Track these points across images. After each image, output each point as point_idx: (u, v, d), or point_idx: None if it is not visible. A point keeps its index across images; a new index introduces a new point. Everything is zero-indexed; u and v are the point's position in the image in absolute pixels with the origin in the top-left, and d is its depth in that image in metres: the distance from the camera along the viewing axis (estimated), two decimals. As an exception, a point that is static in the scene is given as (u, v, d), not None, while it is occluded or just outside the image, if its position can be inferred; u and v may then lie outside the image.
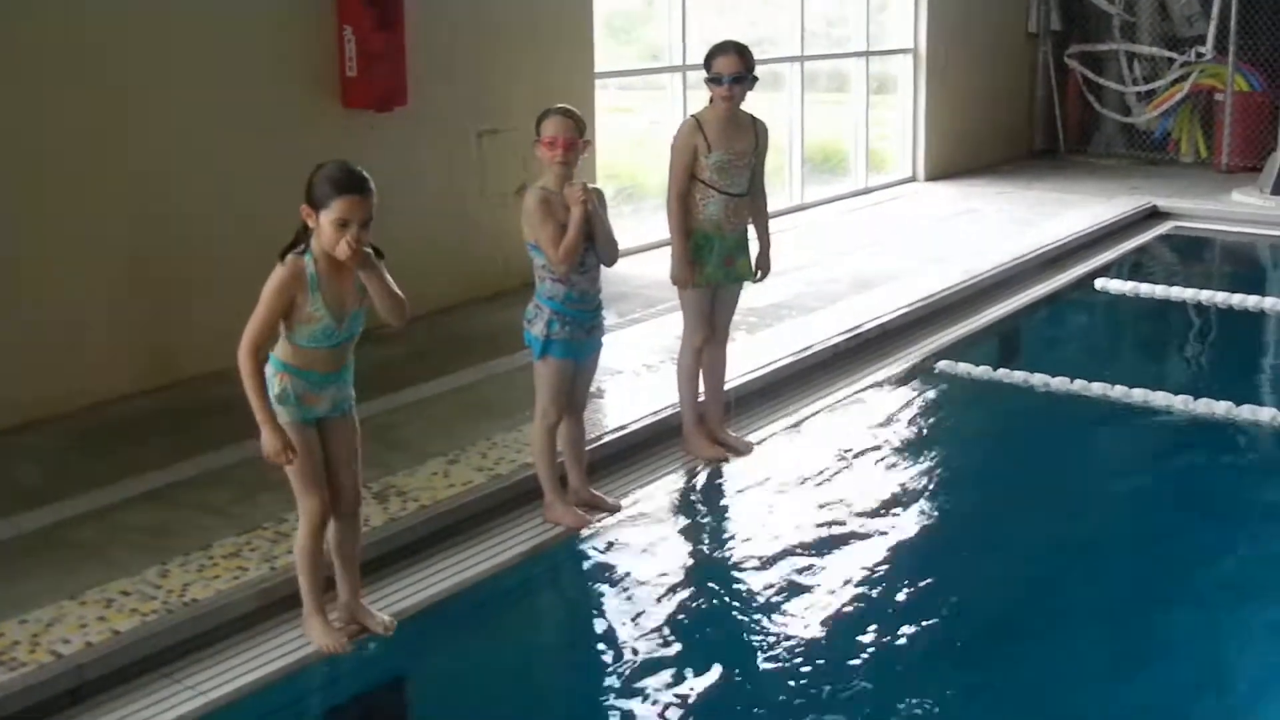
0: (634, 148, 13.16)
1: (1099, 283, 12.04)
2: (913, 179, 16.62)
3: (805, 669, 5.63)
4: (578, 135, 6.50)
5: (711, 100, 7.45)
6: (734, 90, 7.32)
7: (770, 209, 7.97)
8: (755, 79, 7.45)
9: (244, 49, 8.71)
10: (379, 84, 9.25)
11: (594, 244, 6.56)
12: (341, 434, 5.57)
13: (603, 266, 6.70)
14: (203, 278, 8.53)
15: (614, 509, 6.99)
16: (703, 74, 7.52)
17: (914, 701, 5.40)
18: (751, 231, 7.71)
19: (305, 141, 9.04)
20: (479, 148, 10.37)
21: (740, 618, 6.10)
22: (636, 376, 8.64)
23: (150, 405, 8.08)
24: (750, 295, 7.95)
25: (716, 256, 7.47)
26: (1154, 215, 14.96)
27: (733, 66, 7.31)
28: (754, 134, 7.51)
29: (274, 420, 5.21)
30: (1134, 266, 13.00)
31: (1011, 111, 18.43)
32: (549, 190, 6.49)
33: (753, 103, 7.58)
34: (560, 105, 6.60)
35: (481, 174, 10.36)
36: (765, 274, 7.81)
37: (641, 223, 12.26)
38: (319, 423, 5.48)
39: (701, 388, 7.82)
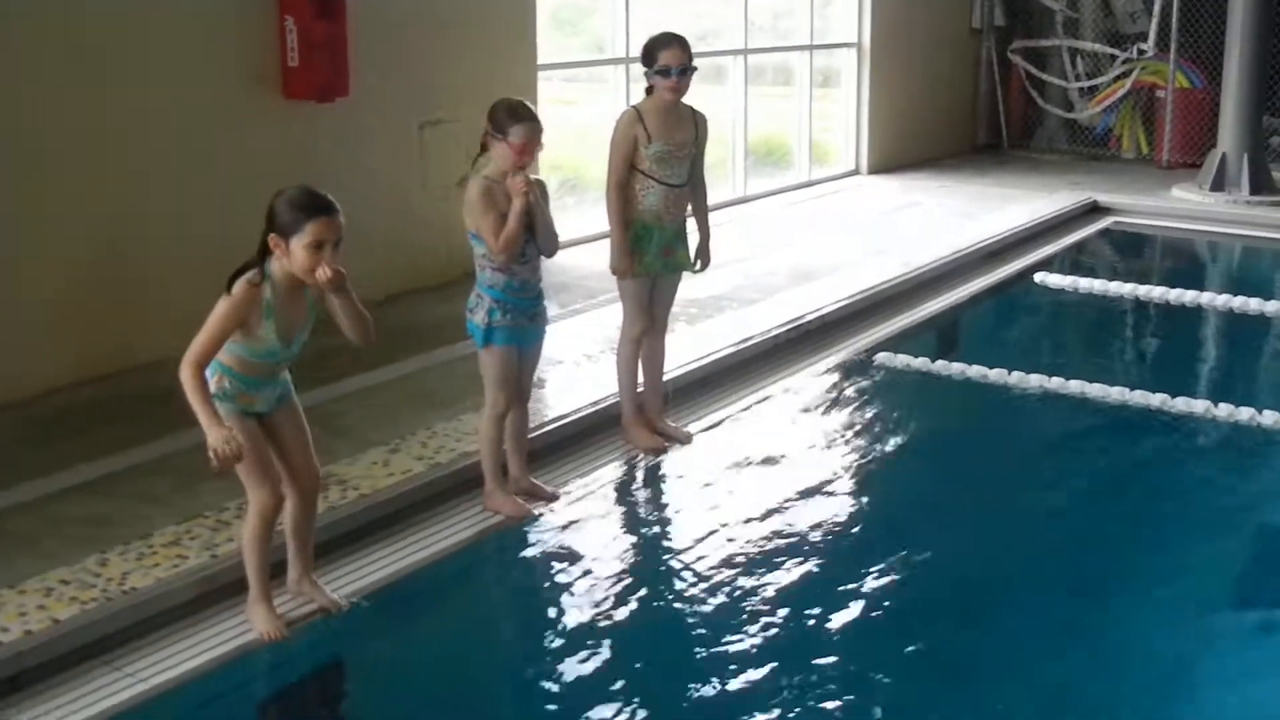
0: (577, 140, 13.18)
1: (1039, 277, 12.15)
2: (856, 172, 16.71)
3: (745, 651, 5.69)
4: (540, 141, 6.55)
5: (651, 91, 7.50)
6: (680, 83, 7.38)
7: (713, 201, 8.04)
8: (695, 69, 7.51)
9: (183, 39, 8.68)
10: (320, 74, 9.24)
11: (534, 235, 6.60)
12: (285, 418, 5.63)
13: (543, 257, 6.75)
14: (141, 269, 8.53)
15: (553, 498, 7.04)
16: (645, 67, 7.56)
17: (854, 679, 5.52)
18: (691, 223, 7.76)
19: (246, 132, 9.07)
20: (421, 139, 10.38)
21: (679, 603, 6.15)
22: (576, 367, 8.68)
23: (90, 395, 8.06)
24: (691, 286, 8.01)
25: (655, 247, 7.52)
26: (1094, 210, 15.10)
27: (677, 58, 7.37)
28: (694, 125, 7.57)
29: (218, 419, 5.16)
30: (1074, 261, 13.12)
31: (955, 106, 18.55)
32: (492, 180, 6.53)
33: (697, 96, 7.63)
34: (528, 107, 6.63)
35: (424, 165, 10.37)
36: (705, 265, 7.87)
37: (583, 214, 12.29)
38: (259, 416, 5.52)
39: (641, 378, 7.88)
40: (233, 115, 9.00)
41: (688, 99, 7.56)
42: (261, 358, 5.38)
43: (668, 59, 7.37)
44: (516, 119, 6.50)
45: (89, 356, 8.27)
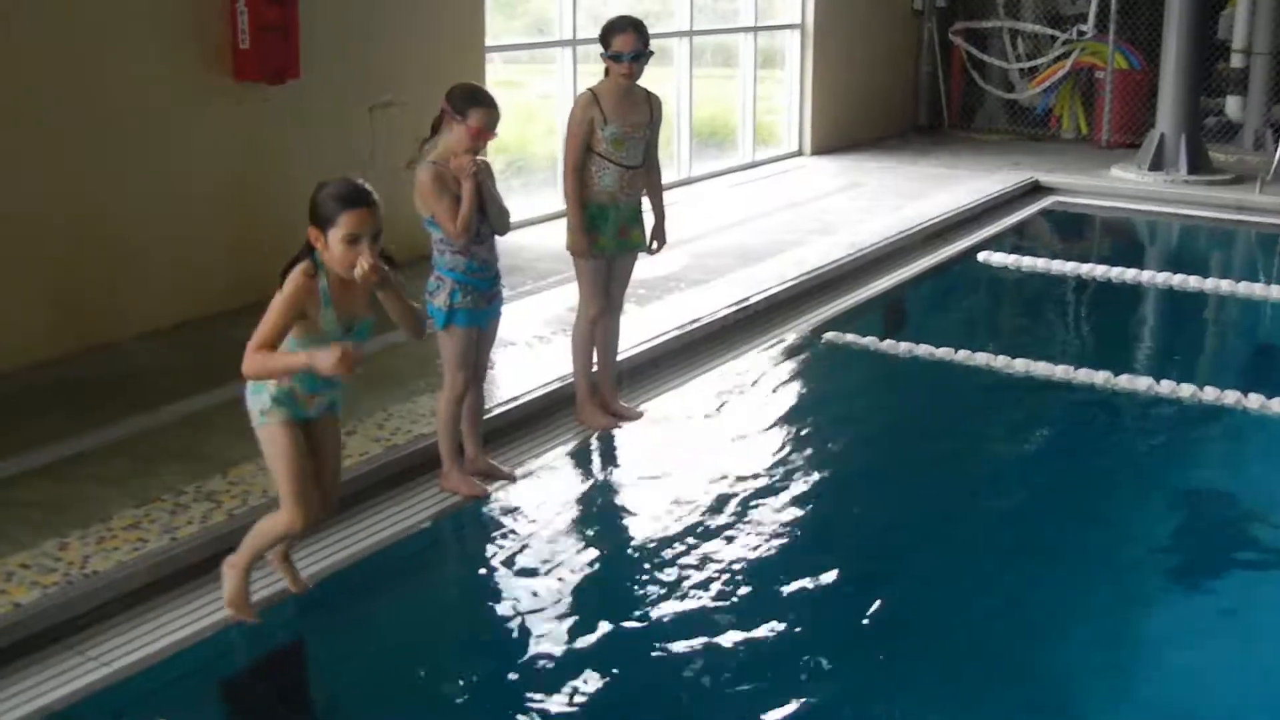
0: (522, 121, 13.20)
1: (982, 256, 12.27)
2: (799, 153, 16.80)
3: (699, 622, 5.79)
4: (495, 127, 6.60)
5: (607, 73, 7.55)
6: (634, 67, 7.45)
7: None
8: (651, 53, 7.57)
9: (134, 19, 8.66)
10: (271, 56, 9.23)
11: (486, 214, 6.65)
12: (329, 434, 5.55)
13: (496, 235, 6.80)
14: (93, 248, 8.50)
15: (509, 478, 7.10)
16: (593, 48, 7.61)
17: (806, 644, 5.66)
18: (647, 203, 7.82)
19: (196, 113, 9.05)
20: (370, 121, 10.38)
21: (633, 579, 6.21)
22: (529, 348, 8.72)
23: (47, 377, 8.03)
24: (640, 268, 8.07)
25: (612, 227, 7.58)
26: (1036, 190, 15.29)
27: (633, 44, 7.43)
28: (649, 107, 7.64)
29: (313, 357, 4.99)
30: (1016, 240, 13.26)
31: (896, 87, 18.67)
32: (440, 165, 6.57)
33: (642, 77, 7.68)
34: (488, 93, 6.70)
35: (373, 147, 10.37)
36: (661, 245, 7.94)
37: (530, 196, 12.32)
38: (305, 424, 5.41)
39: (595, 358, 7.93)
40: (183, 97, 8.97)
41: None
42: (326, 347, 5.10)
43: (621, 44, 7.43)
44: (476, 103, 6.55)
45: (41, 339, 8.23)
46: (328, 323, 5.16)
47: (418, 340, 5.77)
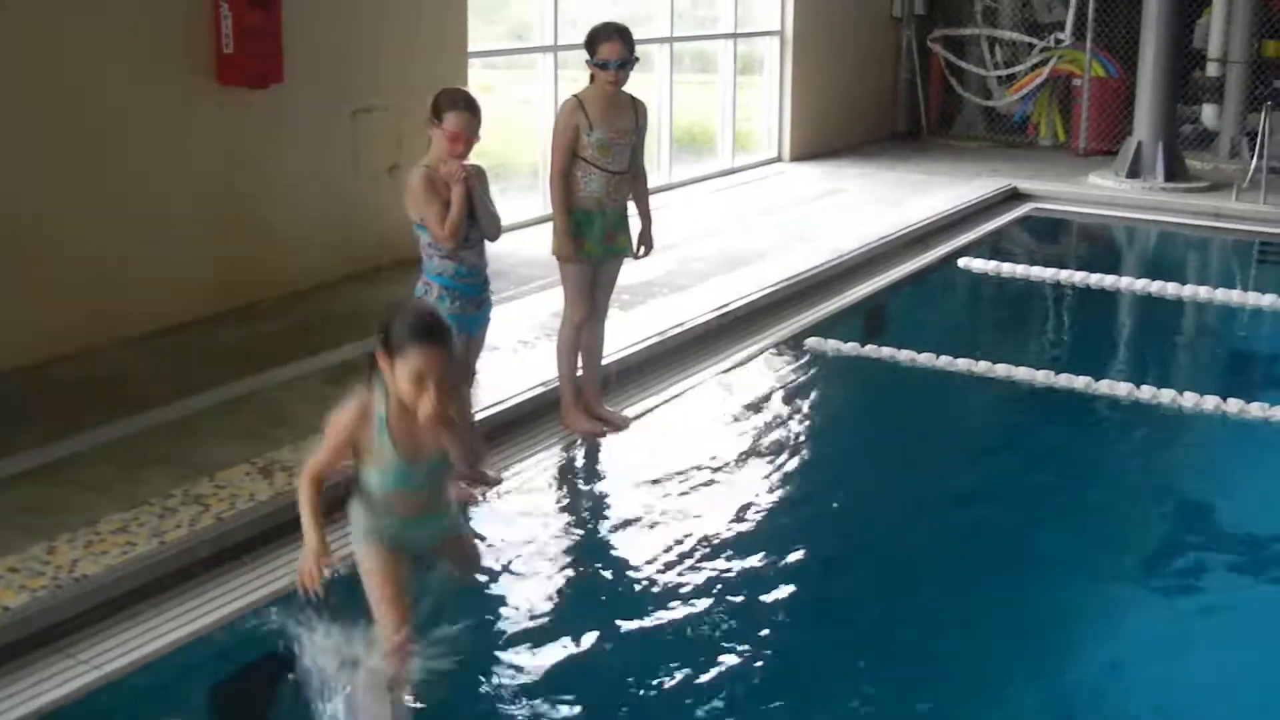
0: (500, 126, 13.22)
1: (962, 262, 12.33)
2: (778, 159, 16.81)
3: (682, 632, 5.82)
4: (477, 133, 6.63)
5: (592, 79, 7.59)
6: (620, 75, 7.49)
7: (644, 187, 8.14)
8: (636, 60, 7.60)
9: (119, 23, 8.65)
10: (255, 61, 9.22)
11: (476, 219, 6.67)
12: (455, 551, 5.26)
13: (487, 241, 6.83)
14: (75, 253, 8.48)
15: (495, 481, 7.12)
16: (575, 54, 7.65)
17: (789, 651, 5.74)
18: (633, 208, 7.86)
19: (181, 117, 9.05)
20: (353, 125, 10.39)
21: (617, 582, 6.27)
22: (513, 353, 8.74)
23: (29, 382, 8.01)
24: (623, 273, 8.11)
25: (598, 232, 7.61)
26: (1014, 197, 15.33)
27: (619, 52, 7.47)
28: (634, 113, 7.67)
29: (313, 538, 4.69)
30: (996, 246, 13.32)
31: (876, 94, 18.70)
32: (431, 169, 6.59)
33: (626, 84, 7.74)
34: (468, 96, 6.72)
35: (355, 151, 10.38)
36: (648, 250, 7.97)
37: (510, 201, 12.33)
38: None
39: (580, 363, 7.96)
40: (168, 101, 8.97)
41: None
42: (393, 486, 4.75)
43: (608, 52, 7.47)
44: (452, 106, 6.58)
45: (13, 341, 8.18)
46: (386, 456, 4.70)
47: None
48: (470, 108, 6.62)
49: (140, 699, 5.23)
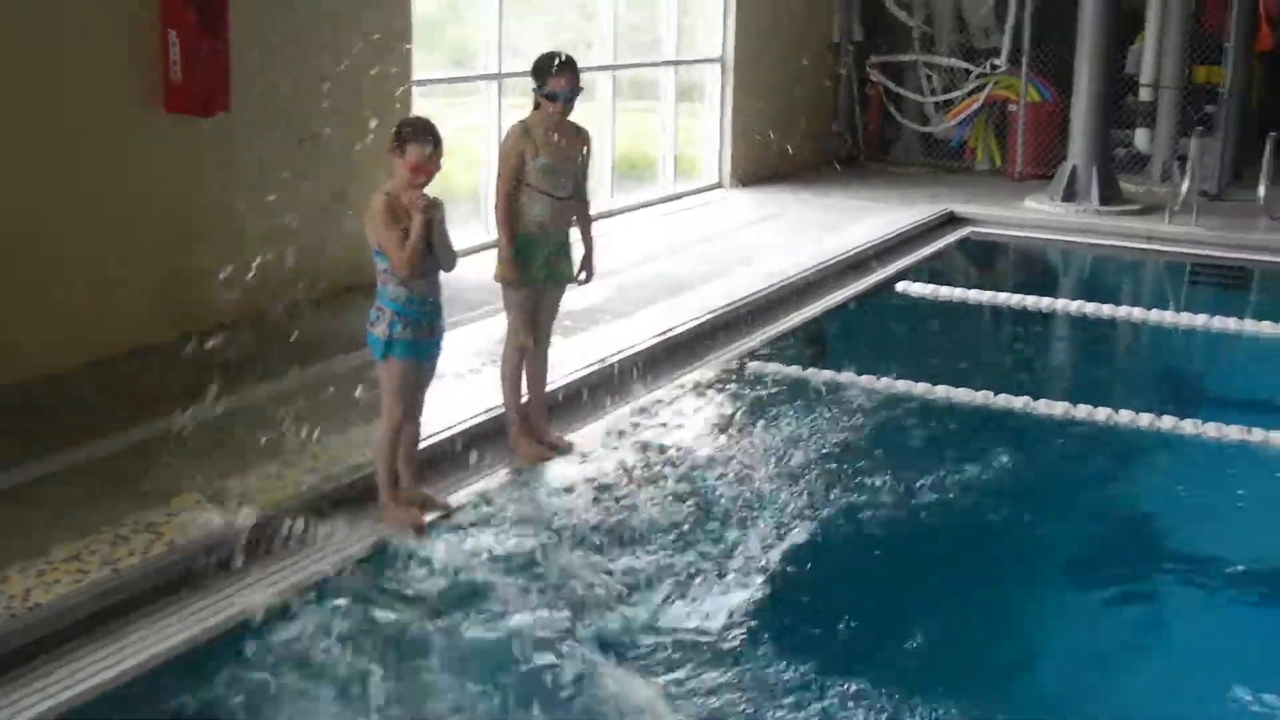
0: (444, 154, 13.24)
1: (900, 286, 12.51)
2: (720, 185, 16.94)
3: (627, 655, 5.96)
4: (439, 164, 6.76)
5: (537, 106, 7.70)
6: (568, 107, 7.64)
7: (584, 214, 8.26)
8: (581, 89, 7.74)
9: (65, 49, 8.65)
10: (203, 88, 9.26)
11: (433, 249, 6.77)
12: None
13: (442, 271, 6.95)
14: (20, 278, 8.47)
15: (445, 508, 7.19)
16: (520, 80, 7.77)
17: (737, 671, 5.85)
18: (575, 235, 7.97)
19: (127, 144, 9.09)
20: (300, 152, 10.44)
21: (565, 607, 6.33)
22: (459, 379, 8.80)
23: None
24: (566, 300, 8.21)
25: (541, 258, 7.74)
26: (951, 221, 15.54)
27: (568, 84, 7.61)
28: (579, 140, 7.82)
29: None
30: (933, 270, 13.50)
31: (815, 120, 18.83)
32: (393, 196, 6.70)
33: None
34: (430, 127, 6.82)
35: (303, 178, 10.42)
36: (590, 277, 8.08)
37: (452, 228, 12.35)
38: None
39: (525, 390, 8.05)
40: (115, 127, 8.99)
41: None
42: None
43: (556, 84, 7.60)
44: (414, 138, 6.70)
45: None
46: None
47: None
48: (433, 140, 6.74)
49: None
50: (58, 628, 5.68)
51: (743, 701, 5.65)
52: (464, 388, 8.65)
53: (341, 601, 6.25)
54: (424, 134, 6.72)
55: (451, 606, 6.30)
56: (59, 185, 8.68)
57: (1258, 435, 8.65)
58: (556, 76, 7.62)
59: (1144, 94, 17.93)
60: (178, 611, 5.93)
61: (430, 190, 6.92)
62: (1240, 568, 7.08)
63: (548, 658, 5.89)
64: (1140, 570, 7.06)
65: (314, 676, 5.72)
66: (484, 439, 8.06)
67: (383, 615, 6.23)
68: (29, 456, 7.26)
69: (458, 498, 7.38)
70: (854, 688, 5.70)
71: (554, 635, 6.05)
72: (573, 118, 7.88)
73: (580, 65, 7.85)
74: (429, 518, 7.05)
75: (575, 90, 7.65)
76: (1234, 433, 8.68)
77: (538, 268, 7.77)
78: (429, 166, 6.70)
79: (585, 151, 7.88)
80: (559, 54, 7.76)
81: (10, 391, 8.21)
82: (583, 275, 8.05)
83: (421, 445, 7.44)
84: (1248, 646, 6.31)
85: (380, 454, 6.97)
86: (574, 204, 7.87)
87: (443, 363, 8.46)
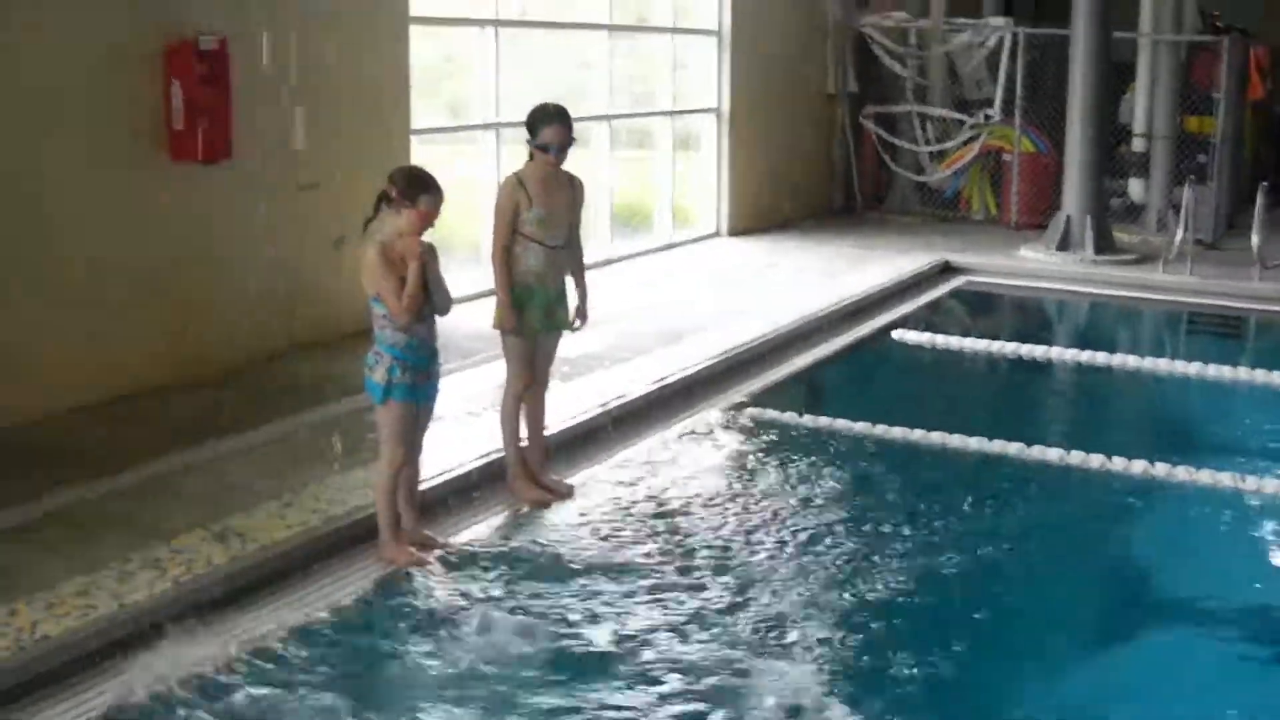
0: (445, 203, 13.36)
1: (897, 334, 12.62)
2: (717, 234, 17.08)
3: (631, 691, 6.04)
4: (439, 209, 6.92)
5: (532, 157, 7.85)
6: (561, 158, 7.81)
7: (580, 262, 8.39)
8: (574, 140, 7.89)
9: (70, 98, 8.82)
10: (205, 137, 9.41)
11: (429, 294, 6.89)
12: None
13: (438, 315, 7.07)
14: (26, 323, 8.63)
15: (445, 548, 7.29)
16: (515, 131, 7.91)
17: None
18: (570, 282, 8.09)
19: (132, 191, 9.21)
20: (300, 200, 10.57)
21: (562, 648, 6.41)
22: (459, 423, 8.90)
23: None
24: (563, 346, 8.34)
25: (538, 306, 7.87)
26: (947, 270, 15.64)
27: (560, 136, 7.78)
28: (572, 190, 7.98)
29: None
30: (929, 319, 13.60)
31: (811, 170, 19.00)
32: (387, 245, 6.82)
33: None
34: (434, 178, 7.01)
35: (302, 226, 10.56)
36: (584, 323, 8.20)
37: (452, 275, 12.45)
38: None
39: (524, 433, 8.15)
40: (120, 174, 9.14)
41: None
42: None
43: (549, 136, 7.77)
44: (425, 189, 6.91)
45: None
46: None
47: None
48: (439, 189, 6.96)
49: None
50: (69, 658, 5.80)
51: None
52: (464, 430, 8.74)
53: (343, 632, 6.40)
54: (433, 184, 6.92)
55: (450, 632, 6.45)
56: (65, 229, 8.82)
57: (1250, 483, 8.69)
58: (549, 128, 7.78)
59: (1137, 144, 18.09)
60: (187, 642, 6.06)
61: (430, 238, 7.06)
62: (1228, 611, 7.17)
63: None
64: (1136, 617, 7.13)
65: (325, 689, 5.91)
66: (483, 482, 8.17)
67: (385, 645, 6.38)
68: (32, 496, 7.37)
69: (458, 539, 7.46)
70: None
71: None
72: (571, 167, 8.01)
73: (576, 115, 7.99)
74: (429, 557, 7.13)
75: (567, 141, 7.82)
76: (1226, 479, 8.75)
77: (534, 315, 7.91)
78: (435, 216, 6.88)
79: (578, 201, 8.03)
80: (550, 106, 7.91)
81: (16, 433, 8.32)
82: (578, 321, 8.17)
83: (423, 486, 7.54)
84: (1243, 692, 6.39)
85: (380, 495, 7.07)
86: (568, 252, 8.01)
87: (442, 406, 8.59)
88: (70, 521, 7.06)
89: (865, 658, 6.47)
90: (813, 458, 9.26)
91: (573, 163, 8.03)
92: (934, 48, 19.06)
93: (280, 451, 8.30)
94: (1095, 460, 8.99)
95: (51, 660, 5.71)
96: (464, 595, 6.86)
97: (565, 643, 6.46)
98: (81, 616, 5.98)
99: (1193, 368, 11.54)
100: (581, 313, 8.20)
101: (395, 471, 7.03)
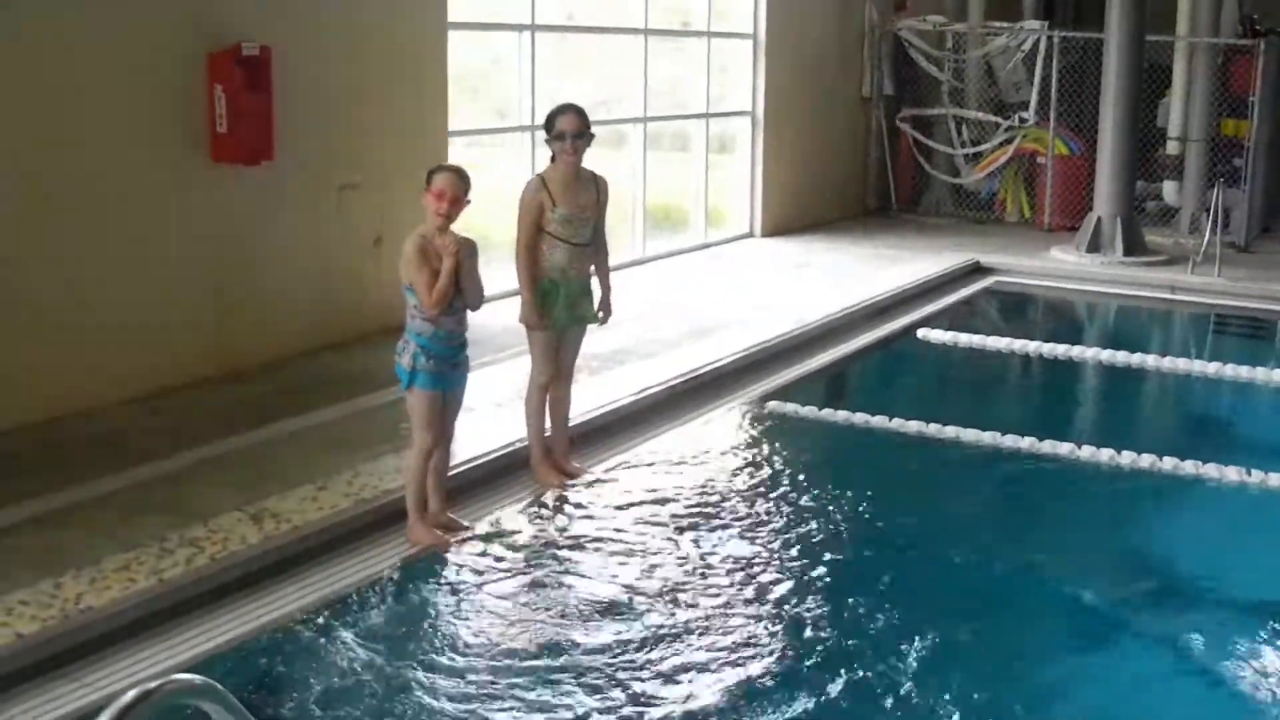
0: (485, 202, 13.68)
1: (921, 332, 12.86)
2: (750, 235, 17.35)
3: (646, 676, 6.30)
4: (463, 193, 7.22)
5: (554, 159, 8.19)
6: (577, 145, 8.10)
7: (613, 262, 8.77)
8: (593, 135, 8.22)
9: (118, 102, 9.21)
10: (248, 140, 9.77)
11: (461, 289, 7.24)
12: None
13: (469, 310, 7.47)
14: (76, 318, 9.01)
15: (469, 530, 7.64)
16: (546, 134, 8.23)
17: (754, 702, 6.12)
18: (594, 278, 8.44)
19: (177, 192, 9.58)
20: (340, 200, 10.91)
21: (581, 627, 6.72)
22: (488, 413, 9.23)
23: (33, 439, 8.48)
24: (594, 341, 8.64)
25: (563, 302, 8.21)
26: (977, 270, 15.89)
27: (574, 124, 8.09)
28: (595, 189, 8.29)
29: None
30: (955, 318, 13.85)
31: (846, 171, 19.23)
32: (426, 239, 7.18)
33: (598, 160, 8.28)
34: (455, 165, 7.38)
35: (342, 225, 10.89)
36: (608, 317, 8.55)
37: (491, 274, 12.77)
38: None
39: (548, 423, 8.50)
40: (165, 176, 9.52)
41: (591, 164, 8.28)
42: None
43: (563, 125, 8.09)
44: (438, 171, 7.27)
45: (16, 401, 8.64)
46: None
47: None
48: (455, 170, 7.30)
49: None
50: (108, 628, 6.17)
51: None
52: (493, 420, 9.07)
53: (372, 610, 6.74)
54: (447, 168, 7.31)
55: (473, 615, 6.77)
56: (112, 229, 9.20)
57: (1275, 480, 8.83)
58: (563, 117, 8.12)
59: (1171, 147, 18.25)
60: (222, 615, 6.45)
61: (472, 235, 7.39)
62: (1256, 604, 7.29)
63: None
64: (1163, 614, 7.23)
65: (350, 673, 6.21)
66: (509, 469, 8.51)
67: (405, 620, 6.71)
68: (79, 481, 7.75)
69: (481, 523, 7.80)
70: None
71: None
72: (605, 167, 8.31)
73: (614, 117, 8.28)
74: (453, 539, 7.49)
75: (582, 131, 8.12)
76: (1254, 476, 8.89)
77: (559, 311, 8.24)
78: (453, 192, 7.18)
79: (602, 200, 8.34)
80: (566, 102, 8.32)
81: (64, 423, 8.72)
82: (601, 315, 8.51)
83: (451, 472, 7.89)
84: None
85: (409, 478, 7.43)
86: (592, 249, 8.35)
87: (474, 398, 8.94)
88: (114, 505, 7.43)
89: (876, 647, 6.62)
90: (830, 448, 9.57)
91: (609, 164, 8.29)
92: (971, 51, 19.28)
93: (316, 440, 8.64)
94: (1126, 457, 9.20)
95: (95, 629, 6.09)
96: (485, 575, 7.19)
97: (579, 622, 6.76)
98: (123, 589, 6.35)
99: (1211, 367, 11.72)
100: (605, 307, 8.53)
101: (424, 455, 7.38)
